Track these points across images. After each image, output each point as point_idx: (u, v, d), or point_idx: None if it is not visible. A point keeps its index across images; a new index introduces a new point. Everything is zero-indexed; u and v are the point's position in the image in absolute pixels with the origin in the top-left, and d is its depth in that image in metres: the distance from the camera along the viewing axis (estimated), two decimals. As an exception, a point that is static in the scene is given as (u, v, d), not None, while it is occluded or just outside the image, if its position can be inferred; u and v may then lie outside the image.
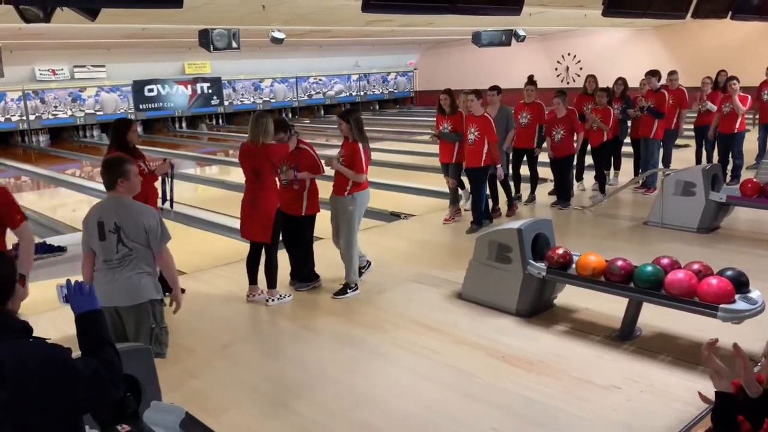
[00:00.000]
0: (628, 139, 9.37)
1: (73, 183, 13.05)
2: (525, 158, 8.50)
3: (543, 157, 8.62)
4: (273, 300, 5.48)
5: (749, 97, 9.09)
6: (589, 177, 9.23)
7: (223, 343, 4.81)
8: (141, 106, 21.33)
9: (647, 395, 3.79)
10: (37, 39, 14.15)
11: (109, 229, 3.59)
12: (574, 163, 8.62)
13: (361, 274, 5.86)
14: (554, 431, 3.52)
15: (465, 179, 7.75)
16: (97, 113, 20.56)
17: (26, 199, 12.15)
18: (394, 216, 8.52)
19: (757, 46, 15.71)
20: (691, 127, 10.10)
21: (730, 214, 7.32)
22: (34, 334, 2.01)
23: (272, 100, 24.20)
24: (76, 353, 2.08)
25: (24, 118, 19.42)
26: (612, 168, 9.57)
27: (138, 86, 21.14)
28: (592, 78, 9.29)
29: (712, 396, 2.41)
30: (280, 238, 5.82)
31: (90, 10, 4.56)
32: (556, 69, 22.34)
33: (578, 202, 8.62)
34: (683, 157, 10.27)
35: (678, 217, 7.13)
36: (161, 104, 21.85)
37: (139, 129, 19.00)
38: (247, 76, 23.44)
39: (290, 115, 24.36)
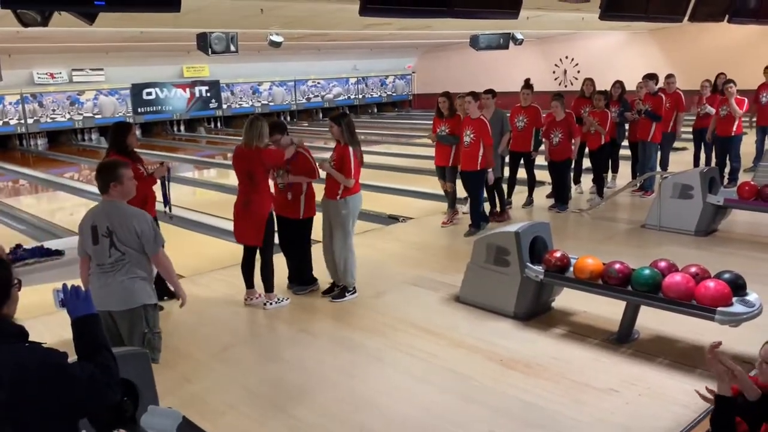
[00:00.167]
0: (625, 142, 9.39)
1: (72, 186, 13.03)
2: (522, 161, 8.50)
3: (540, 160, 8.63)
4: (271, 303, 5.48)
5: (746, 100, 9.11)
6: (586, 180, 9.24)
7: (221, 347, 4.80)
8: (139, 110, 21.34)
9: (645, 398, 3.79)
10: (35, 43, 14.15)
11: (102, 233, 3.59)
12: (572, 166, 8.63)
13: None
14: (552, 434, 3.52)
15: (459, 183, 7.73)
16: (96, 117, 20.57)
17: (24, 203, 12.16)
18: (392, 219, 8.53)
19: (755, 49, 15.74)
20: (689, 129, 10.12)
21: (728, 217, 7.32)
22: (30, 339, 2.01)
23: (271, 104, 24.22)
24: (73, 358, 2.08)
25: (22, 121, 19.41)
26: (610, 171, 9.58)
27: (136, 89, 21.15)
28: (589, 81, 9.30)
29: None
30: (277, 241, 5.82)
31: (88, 14, 4.55)
32: (553, 72, 22.38)
33: (576, 205, 8.63)
34: (681, 160, 10.28)
35: (675, 220, 7.14)
36: (160, 107, 21.86)
37: (138, 132, 19.00)
38: (246, 79, 23.46)
39: (288, 118, 24.39)
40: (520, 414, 3.70)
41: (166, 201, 5.72)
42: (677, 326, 4.48)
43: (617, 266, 4.41)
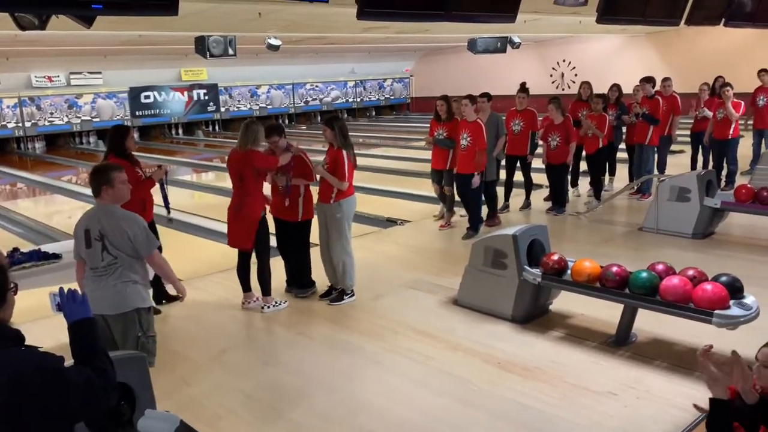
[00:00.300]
0: (622, 145, 9.41)
1: (69, 190, 13.02)
2: (518, 165, 8.51)
3: (536, 163, 8.63)
4: (268, 307, 5.47)
5: (742, 103, 9.14)
6: (584, 183, 9.25)
7: (219, 350, 4.80)
8: (137, 113, 21.32)
9: (643, 401, 3.79)
10: (33, 46, 14.14)
11: (95, 237, 3.59)
12: (570, 169, 8.63)
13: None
14: (550, 438, 3.52)
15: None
16: (94, 120, 20.55)
17: (22, 206, 12.13)
18: (390, 222, 8.53)
19: (751, 53, 15.78)
20: (687, 133, 10.14)
21: (725, 220, 7.34)
22: (27, 343, 2.01)
23: (269, 107, 24.23)
24: (69, 362, 2.07)
25: (20, 124, 19.39)
26: (607, 174, 9.59)
27: (134, 93, 21.14)
28: (586, 84, 9.32)
29: (706, 405, 2.41)
30: (275, 245, 5.82)
31: (85, 18, 4.56)
32: (551, 75, 22.42)
33: (573, 208, 8.64)
34: (678, 163, 10.30)
35: (673, 222, 7.15)
36: (157, 111, 21.85)
37: (136, 135, 19.01)
38: (244, 82, 23.46)
39: (287, 121, 24.40)
40: (517, 417, 3.70)
41: (166, 203, 5.73)
42: (675, 329, 4.49)
43: (615, 269, 4.42)
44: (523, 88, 8.55)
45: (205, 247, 7.87)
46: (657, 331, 4.60)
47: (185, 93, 22.30)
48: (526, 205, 8.71)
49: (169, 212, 5.75)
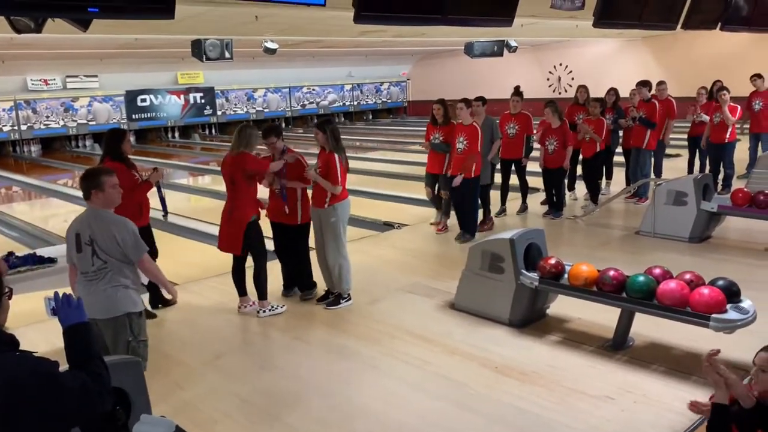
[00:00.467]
0: (619, 149, 9.42)
1: (65, 193, 12.97)
2: (513, 168, 8.51)
3: (531, 166, 8.63)
4: (264, 311, 5.44)
5: (739, 107, 9.16)
6: (581, 186, 9.26)
7: (214, 354, 4.77)
8: (134, 116, 21.29)
9: (640, 405, 3.78)
10: (29, 49, 14.12)
11: (85, 241, 3.58)
12: (567, 173, 8.64)
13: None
14: (547, 442, 3.51)
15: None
16: (90, 123, 20.51)
17: (17, 210, 12.10)
18: (387, 226, 8.52)
19: (747, 57, 15.84)
20: (684, 136, 10.16)
21: (722, 224, 7.34)
22: (22, 347, 1.99)
23: (265, 110, 24.23)
24: (65, 366, 2.06)
25: (16, 128, 19.34)
26: (604, 178, 9.60)
27: (131, 96, 21.11)
28: (583, 88, 9.33)
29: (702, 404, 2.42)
30: (273, 248, 5.81)
31: (82, 21, 4.55)
32: (548, 79, 22.47)
33: (570, 211, 8.64)
34: (675, 167, 10.32)
35: (670, 226, 7.15)
36: (154, 114, 21.82)
37: (132, 139, 19.00)
38: (240, 85, 23.46)
39: (283, 124, 24.38)
40: (514, 421, 3.69)
41: (163, 206, 5.73)
42: (672, 333, 4.48)
43: (612, 273, 4.41)
44: (517, 91, 8.55)
45: (201, 250, 7.84)
46: (654, 335, 4.59)
47: (182, 96, 22.27)
48: (523, 208, 8.71)
49: (166, 214, 5.75)
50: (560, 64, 22.14)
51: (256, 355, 4.90)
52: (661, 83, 9.25)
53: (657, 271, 4.36)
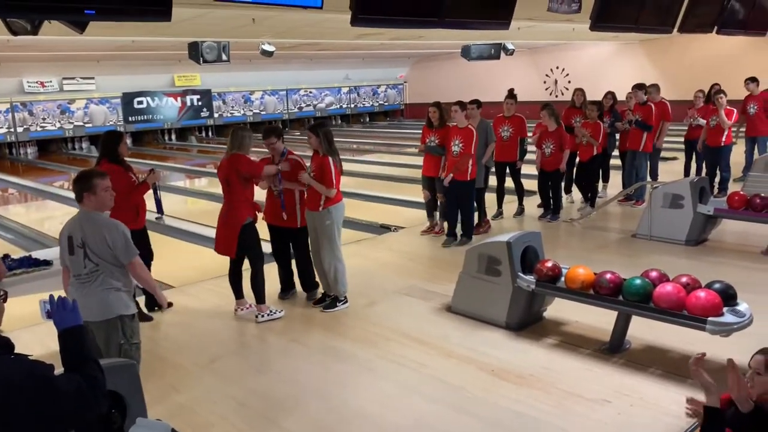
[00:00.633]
0: (616, 152, 9.43)
1: (61, 196, 12.94)
2: (508, 171, 8.51)
3: (525, 169, 8.64)
4: (263, 316, 5.39)
5: (735, 111, 9.19)
6: (577, 189, 9.26)
7: (211, 357, 4.76)
8: (130, 118, 21.28)
9: (637, 408, 3.78)
10: (25, 51, 14.10)
11: (77, 244, 3.57)
12: (563, 175, 8.64)
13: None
14: (544, 445, 3.51)
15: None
16: (86, 125, 20.50)
17: (13, 212, 12.08)
18: (384, 228, 8.52)
19: (743, 60, 15.89)
20: (681, 140, 10.18)
21: (718, 227, 7.36)
22: (17, 350, 1.99)
23: (262, 113, 24.23)
24: (60, 369, 2.05)
25: (12, 130, 19.32)
26: (601, 181, 9.61)
27: (127, 98, 21.11)
28: (579, 91, 9.35)
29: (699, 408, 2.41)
30: (269, 251, 5.80)
31: (78, 23, 4.54)
32: (544, 82, 22.52)
33: (567, 214, 8.65)
34: (671, 170, 10.34)
35: (666, 229, 7.16)
36: (151, 116, 21.82)
37: (129, 141, 18.95)
38: (237, 88, 23.46)
39: (280, 127, 24.38)
40: (511, 425, 3.68)
41: (159, 207, 5.72)
42: (669, 336, 4.48)
43: (608, 276, 4.41)
44: (511, 94, 8.55)
45: (198, 253, 7.83)
46: (651, 338, 4.59)
47: (178, 99, 22.27)
48: (520, 211, 8.71)
49: (162, 215, 5.74)
50: (557, 67, 22.20)
51: (253, 358, 4.89)
52: (652, 86, 9.24)
53: (653, 274, 4.37)
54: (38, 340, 4.70)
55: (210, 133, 23.65)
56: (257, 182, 5.49)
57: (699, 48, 17.26)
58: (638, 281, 4.27)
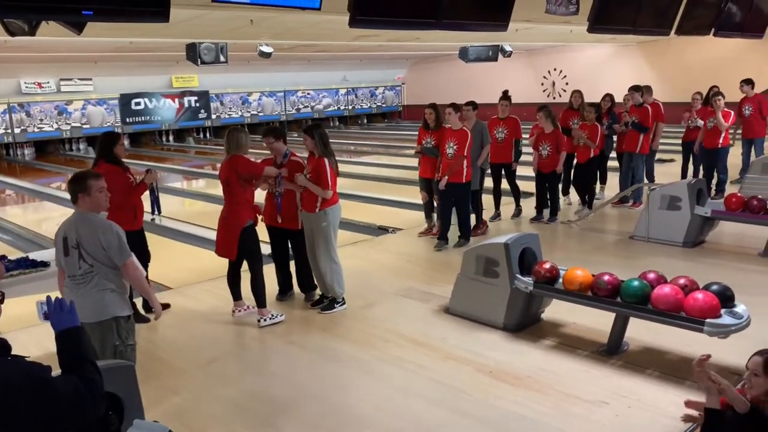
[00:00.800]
0: (613, 154, 9.45)
1: (58, 197, 12.89)
2: (503, 173, 8.51)
3: (521, 170, 8.64)
4: (265, 320, 5.34)
5: (732, 113, 9.21)
6: (575, 191, 9.27)
7: (208, 359, 4.75)
8: (128, 120, 21.25)
9: (635, 410, 3.78)
10: (22, 52, 14.07)
11: (72, 245, 3.56)
12: (561, 177, 8.65)
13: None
14: (542, 447, 3.51)
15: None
16: (84, 126, 20.46)
17: (10, 213, 12.05)
18: (382, 230, 8.51)
19: (740, 62, 15.93)
20: (678, 141, 10.19)
21: (715, 229, 7.37)
22: (14, 351, 1.98)
23: (260, 114, 24.22)
24: (57, 371, 2.05)
25: (9, 131, 19.27)
26: (598, 182, 9.62)
27: (125, 99, 21.08)
28: (577, 93, 9.35)
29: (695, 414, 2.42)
30: (268, 252, 5.79)
31: (76, 24, 4.53)
32: (542, 84, 22.55)
33: (565, 216, 8.66)
34: (669, 172, 10.36)
35: (664, 231, 7.17)
36: (148, 117, 21.79)
37: (126, 142, 18.94)
38: (235, 89, 23.45)
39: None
40: (509, 426, 3.68)
41: (158, 208, 5.70)
42: (667, 338, 4.49)
43: (606, 278, 4.42)
44: (506, 95, 8.55)
45: (196, 254, 7.82)
46: (648, 339, 4.60)
47: (176, 100, 22.25)
48: (517, 213, 8.72)
49: (159, 214, 5.73)
50: (554, 69, 22.23)
51: (251, 360, 4.89)
52: (646, 88, 9.25)
53: (651, 275, 4.37)
54: (36, 342, 4.68)
55: (208, 135, 23.62)
56: (257, 184, 5.48)
57: (696, 50, 17.30)
58: (636, 283, 4.27)
